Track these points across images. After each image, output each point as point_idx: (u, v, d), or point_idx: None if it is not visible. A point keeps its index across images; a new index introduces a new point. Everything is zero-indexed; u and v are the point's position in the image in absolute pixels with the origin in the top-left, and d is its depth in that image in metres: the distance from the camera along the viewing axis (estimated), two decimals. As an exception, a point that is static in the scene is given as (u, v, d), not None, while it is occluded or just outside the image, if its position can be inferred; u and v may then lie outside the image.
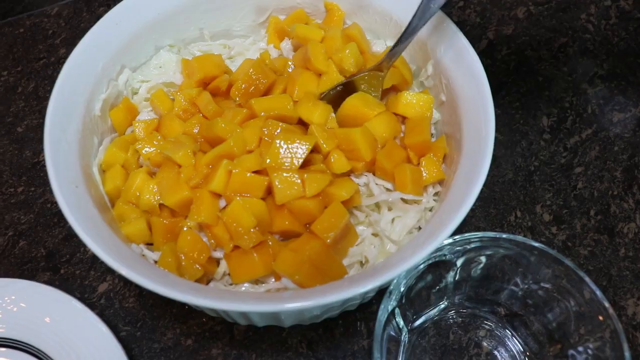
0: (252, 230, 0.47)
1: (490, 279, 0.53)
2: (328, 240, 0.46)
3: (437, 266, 0.51)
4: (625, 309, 0.56)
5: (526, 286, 0.52)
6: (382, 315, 0.46)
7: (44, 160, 0.64)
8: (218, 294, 0.42)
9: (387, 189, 0.52)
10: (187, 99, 0.55)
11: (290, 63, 0.57)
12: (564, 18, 0.75)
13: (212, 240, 0.49)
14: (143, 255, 0.49)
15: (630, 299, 0.57)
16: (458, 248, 0.50)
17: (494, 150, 0.64)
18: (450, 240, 0.49)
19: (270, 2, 0.61)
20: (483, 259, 0.51)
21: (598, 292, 0.47)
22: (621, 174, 0.63)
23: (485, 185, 0.61)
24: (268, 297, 0.42)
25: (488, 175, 0.63)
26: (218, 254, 0.49)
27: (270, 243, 0.48)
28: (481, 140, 0.49)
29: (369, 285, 0.40)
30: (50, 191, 0.62)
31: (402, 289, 0.48)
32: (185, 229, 0.48)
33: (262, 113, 0.51)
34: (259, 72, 0.54)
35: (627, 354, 0.45)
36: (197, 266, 0.47)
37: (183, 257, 0.47)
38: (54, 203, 0.62)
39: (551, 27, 0.74)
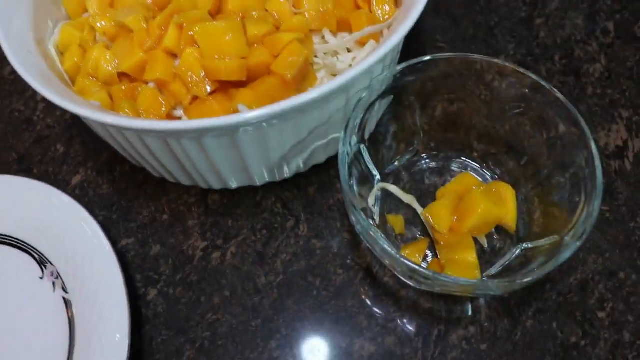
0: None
1: (458, 114, 0.52)
2: (288, 76, 0.45)
3: (400, 104, 0.50)
4: (597, 141, 0.56)
5: (495, 119, 0.51)
6: (344, 151, 0.44)
7: (8, 75, 0.66)
8: (183, 122, 0.42)
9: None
10: None
11: None
12: None
13: (170, 97, 0.48)
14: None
15: (602, 132, 0.57)
16: (415, 79, 0.48)
17: (453, 10, 0.65)
18: (403, 66, 0.47)
19: None
20: (444, 93, 0.51)
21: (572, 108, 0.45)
22: (583, 21, 0.63)
23: (447, 42, 0.62)
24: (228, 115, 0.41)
25: (449, 33, 0.64)
26: (178, 112, 0.49)
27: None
28: None
29: (314, 94, 0.40)
30: (17, 101, 0.63)
31: (362, 123, 0.46)
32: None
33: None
34: None
35: (597, 162, 0.44)
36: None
37: (143, 113, 0.47)
38: (22, 111, 0.62)
39: None
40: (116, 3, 0.54)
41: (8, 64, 0.64)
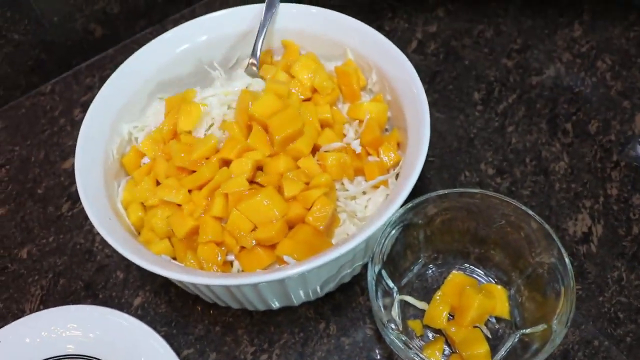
0: (251, 232, 0.57)
1: (453, 229, 0.64)
2: (321, 228, 0.57)
3: (408, 229, 0.62)
4: (567, 229, 0.68)
5: (484, 229, 0.63)
6: (370, 276, 0.56)
7: (66, 212, 0.76)
8: (237, 275, 0.53)
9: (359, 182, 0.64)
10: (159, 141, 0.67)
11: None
12: (478, 9, 0.89)
13: (223, 248, 0.59)
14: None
15: (570, 221, 0.69)
16: (420, 209, 0.61)
17: (439, 126, 0.77)
18: (411, 205, 0.59)
19: (238, 50, 0.74)
20: (442, 214, 0.63)
21: (542, 222, 0.57)
22: (546, 124, 0.76)
23: (435, 156, 0.74)
24: (276, 268, 0.53)
25: (437, 147, 0.76)
26: (230, 257, 0.59)
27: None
28: (420, 124, 0.60)
29: (346, 247, 0.51)
30: (77, 235, 0.74)
31: (381, 251, 0.58)
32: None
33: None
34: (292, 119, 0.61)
35: (567, 260, 0.56)
36: (216, 267, 0.58)
37: (204, 262, 0.58)
38: (82, 244, 0.73)
39: (468, 19, 0.88)
40: (155, 168, 0.64)
41: (65, 201, 0.76)
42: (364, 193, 0.62)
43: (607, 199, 0.70)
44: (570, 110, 0.77)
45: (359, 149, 0.64)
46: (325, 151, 0.62)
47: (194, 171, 0.62)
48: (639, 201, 0.70)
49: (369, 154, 0.64)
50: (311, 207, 0.57)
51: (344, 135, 0.67)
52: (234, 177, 0.59)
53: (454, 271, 0.64)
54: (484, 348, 0.57)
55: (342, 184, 0.62)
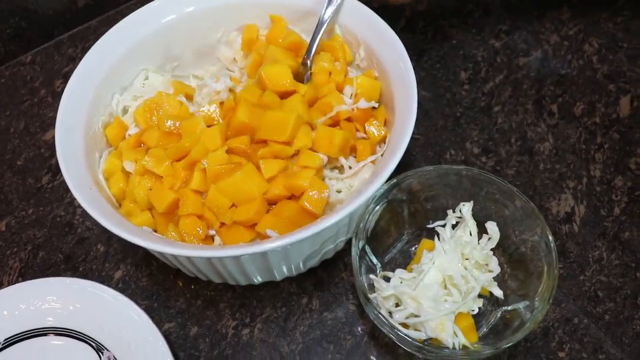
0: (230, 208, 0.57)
1: (437, 207, 0.64)
2: (319, 213, 0.56)
3: (392, 205, 0.62)
4: (550, 209, 0.69)
5: (466, 207, 0.63)
6: (354, 252, 0.56)
7: (46, 184, 0.75)
8: (219, 247, 0.53)
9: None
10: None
11: None
12: (467, -12, 0.88)
13: (204, 222, 0.58)
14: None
15: (553, 201, 0.69)
16: (404, 185, 0.61)
17: (425, 104, 0.77)
18: (395, 180, 0.59)
19: (223, 24, 0.72)
20: (426, 190, 0.62)
21: (527, 200, 0.58)
22: (532, 105, 0.76)
23: (420, 134, 0.74)
24: (258, 242, 0.53)
25: (422, 125, 0.76)
26: (211, 232, 0.59)
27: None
28: (407, 102, 0.59)
29: (330, 221, 0.51)
30: (57, 207, 0.73)
31: (365, 226, 0.58)
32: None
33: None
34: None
35: (550, 238, 0.56)
36: (197, 241, 0.57)
37: (185, 235, 0.57)
38: (62, 216, 0.72)
39: (457, -3, 0.87)
40: (144, 137, 0.63)
41: (45, 173, 0.75)
42: (350, 168, 0.62)
43: (590, 180, 0.71)
44: (556, 92, 0.77)
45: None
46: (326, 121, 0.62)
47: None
48: (621, 183, 0.70)
49: (357, 130, 0.64)
50: (302, 192, 0.57)
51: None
52: (212, 152, 0.58)
53: (424, 239, 0.64)
54: (468, 321, 0.58)
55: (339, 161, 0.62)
